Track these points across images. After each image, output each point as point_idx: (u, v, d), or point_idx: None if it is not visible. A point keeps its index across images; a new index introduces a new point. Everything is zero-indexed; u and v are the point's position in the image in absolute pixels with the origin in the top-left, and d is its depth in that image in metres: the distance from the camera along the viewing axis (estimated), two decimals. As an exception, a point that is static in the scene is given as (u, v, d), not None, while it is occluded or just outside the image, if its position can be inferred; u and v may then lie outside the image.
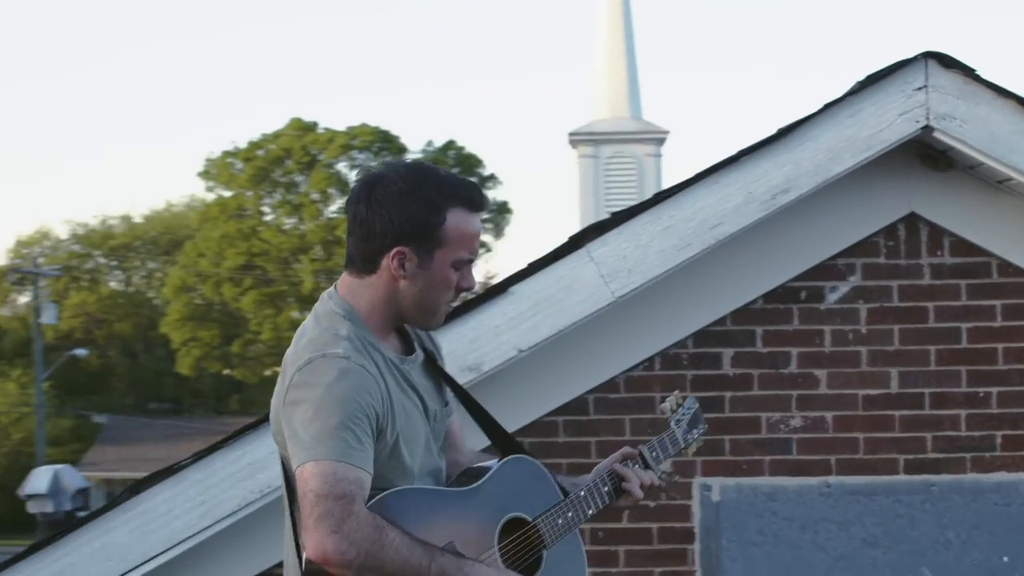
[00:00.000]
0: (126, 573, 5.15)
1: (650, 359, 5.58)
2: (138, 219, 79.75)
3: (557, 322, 5.27)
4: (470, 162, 68.47)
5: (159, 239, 77.24)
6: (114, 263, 78.81)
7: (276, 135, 68.75)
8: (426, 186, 3.29)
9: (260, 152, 69.02)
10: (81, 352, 55.72)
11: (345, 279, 3.39)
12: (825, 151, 5.27)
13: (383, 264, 3.30)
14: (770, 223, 5.41)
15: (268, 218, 70.06)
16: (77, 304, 72.73)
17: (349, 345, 3.22)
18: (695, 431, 3.92)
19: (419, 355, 3.47)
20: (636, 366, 5.58)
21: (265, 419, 4.63)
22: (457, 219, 3.30)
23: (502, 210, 66.48)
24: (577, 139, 27.64)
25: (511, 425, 5.50)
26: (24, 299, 67.01)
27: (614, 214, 5.39)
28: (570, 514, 3.51)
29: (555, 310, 5.27)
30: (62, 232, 78.20)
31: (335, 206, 68.68)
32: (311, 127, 68.82)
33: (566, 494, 3.56)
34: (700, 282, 5.51)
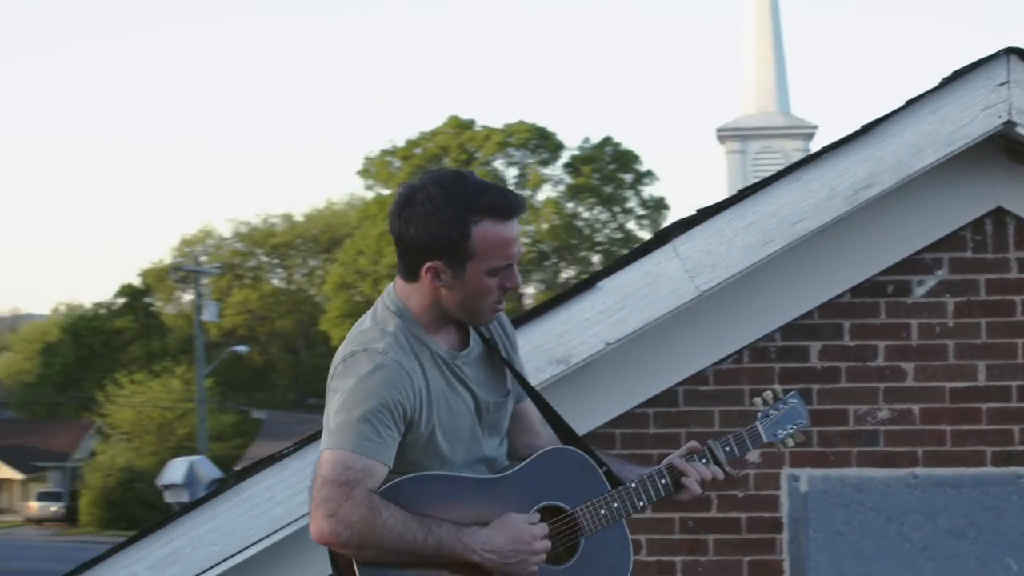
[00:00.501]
0: (230, 557, 5.38)
1: (739, 352, 5.69)
2: (299, 217, 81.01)
3: (643, 316, 5.41)
4: (627, 158, 68.34)
5: (319, 237, 78.32)
6: (275, 261, 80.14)
7: (434, 133, 69.19)
8: (452, 203, 3.42)
9: (418, 150, 69.50)
10: (242, 349, 56.78)
11: (399, 281, 3.59)
12: (907, 147, 5.33)
13: (422, 275, 3.50)
14: (855, 218, 5.49)
15: (426, 216, 70.43)
16: (240, 301, 74.11)
17: (392, 341, 3.44)
18: (790, 426, 3.90)
19: (474, 348, 3.63)
20: (725, 359, 5.69)
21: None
22: (484, 231, 3.44)
23: (659, 206, 66.26)
24: (725, 134, 27.61)
25: (602, 417, 5.70)
26: (188, 297, 68.40)
27: (699, 210, 5.51)
28: (615, 504, 3.61)
29: (641, 304, 5.40)
30: (225, 230, 79.66)
31: (492, 203, 68.95)
32: (468, 125, 69.16)
33: (618, 486, 3.68)
34: (787, 277, 5.61)
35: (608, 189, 66.56)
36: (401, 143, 69.88)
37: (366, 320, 3.54)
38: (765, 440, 3.87)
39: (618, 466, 3.75)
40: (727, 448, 3.80)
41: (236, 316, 73.46)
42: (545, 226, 66.04)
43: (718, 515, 5.67)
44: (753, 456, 5.65)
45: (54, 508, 65.01)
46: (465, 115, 71.42)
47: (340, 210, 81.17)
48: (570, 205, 67.99)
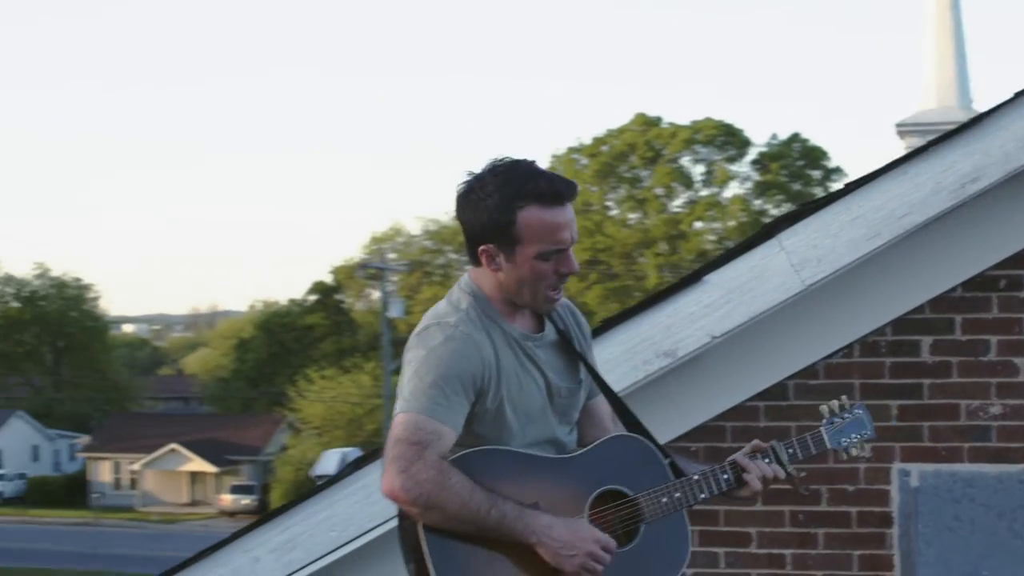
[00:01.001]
0: (347, 543, 5.55)
1: (849, 346, 5.68)
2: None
3: (749, 310, 5.45)
4: (815, 155, 67.59)
5: (508, 235, 78.81)
6: (465, 259, 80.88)
7: (620, 130, 69.12)
8: (500, 189, 3.59)
9: (604, 148, 69.50)
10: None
11: (472, 267, 3.76)
12: (1015, 140, 5.29)
13: (481, 260, 3.66)
14: (965, 212, 5.46)
15: (612, 213, 70.59)
16: (429, 299, 74.81)
17: (464, 316, 3.61)
18: (854, 436, 4.00)
19: (548, 335, 3.76)
20: (835, 353, 5.69)
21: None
22: (529, 216, 3.58)
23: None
24: (904, 130, 27.14)
25: (712, 410, 5.75)
26: (378, 294, 69.36)
27: (805, 204, 5.53)
28: (677, 495, 3.70)
29: (747, 298, 5.44)
30: (414, 228, 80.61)
31: (679, 200, 68.79)
32: (655, 122, 69.00)
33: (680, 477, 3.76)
34: (896, 271, 5.59)
35: (796, 186, 65.91)
36: (588, 140, 69.91)
37: (442, 301, 3.72)
38: (828, 446, 3.95)
39: (683, 461, 3.83)
40: (790, 450, 3.89)
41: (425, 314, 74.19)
42: (732, 223, 65.63)
43: (828, 509, 5.68)
44: (863, 451, 5.64)
45: (246, 501, 66.41)
46: (652, 112, 71.17)
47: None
48: (758, 202, 67.46)
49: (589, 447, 3.73)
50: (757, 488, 3.80)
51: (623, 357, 5.51)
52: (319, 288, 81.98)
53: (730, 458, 3.84)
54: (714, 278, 5.50)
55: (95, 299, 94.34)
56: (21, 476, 74.11)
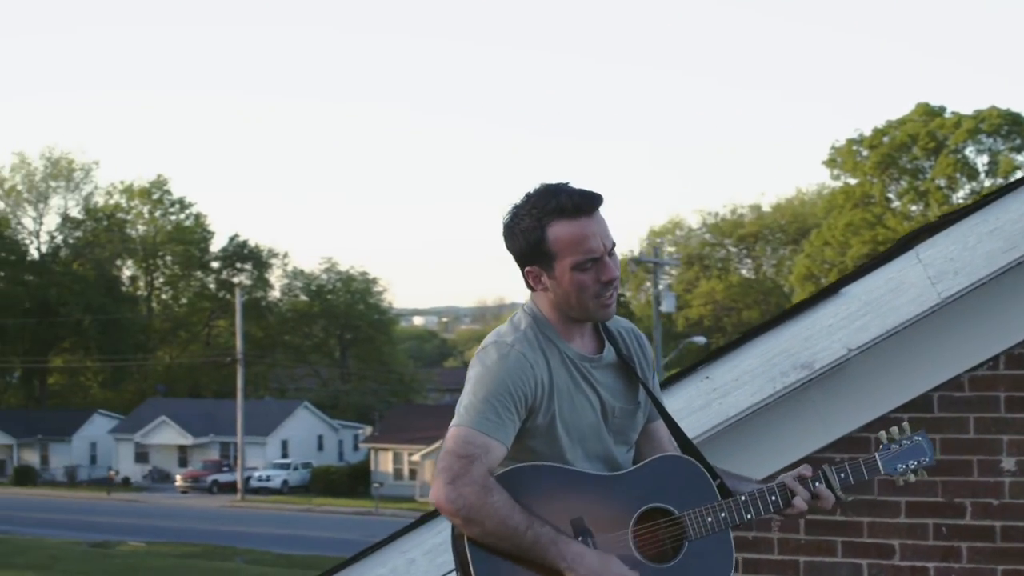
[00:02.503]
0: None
1: (995, 359, 5.62)
2: (767, 208, 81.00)
3: (886, 322, 5.44)
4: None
5: (787, 227, 78.13)
6: (743, 252, 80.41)
7: (901, 121, 67.83)
8: (528, 212, 3.75)
9: (885, 139, 68.27)
10: (700, 340, 57.18)
11: (530, 291, 3.91)
12: None
13: (530, 282, 3.84)
14: (1109, 223, 5.35)
15: (893, 205, 69.30)
16: (706, 292, 74.80)
17: (522, 336, 3.77)
18: (912, 462, 4.02)
19: (607, 357, 3.89)
20: (980, 365, 5.63)
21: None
22: (557, 231, 3.72)
23: None
24: None
25: (857, 421, 5.76)
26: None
27: (943, 216, 5.49)
28: (723, 515, 3.78)
29: (884, 311, 5.44)
30: (693, 222, 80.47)
31: (962, 192, 67.11)
32: (938, 112, 67.45)
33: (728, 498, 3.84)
34: (1041, 282, 5.51)
35: (1088, 176, 63.59)
36: (868, 132, 68.75)
37: (505, 323, 3.89)
38: (882, 472, 3.99)
39: (733, 481, 3.91)
40: (842, 475, 3.93)
41: (702, 307, 74.10)
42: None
43: (972, 523, 5.63)
44: (1009, 464, 5.58)
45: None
46: (935, 101, 69.60)
47: (808, 200, 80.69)
48: (1047, 193, 65.27)
49: (638, 465, 3.84)
50: (803, 508, 3.86)
51: (761, 368, 5.56)
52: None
53: (779, 479, 3.90)
54: (852, 290, 5.51)
55: (381, 292, 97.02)
56: (306, 465, 76.61)
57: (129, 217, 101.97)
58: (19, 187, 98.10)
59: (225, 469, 77.35)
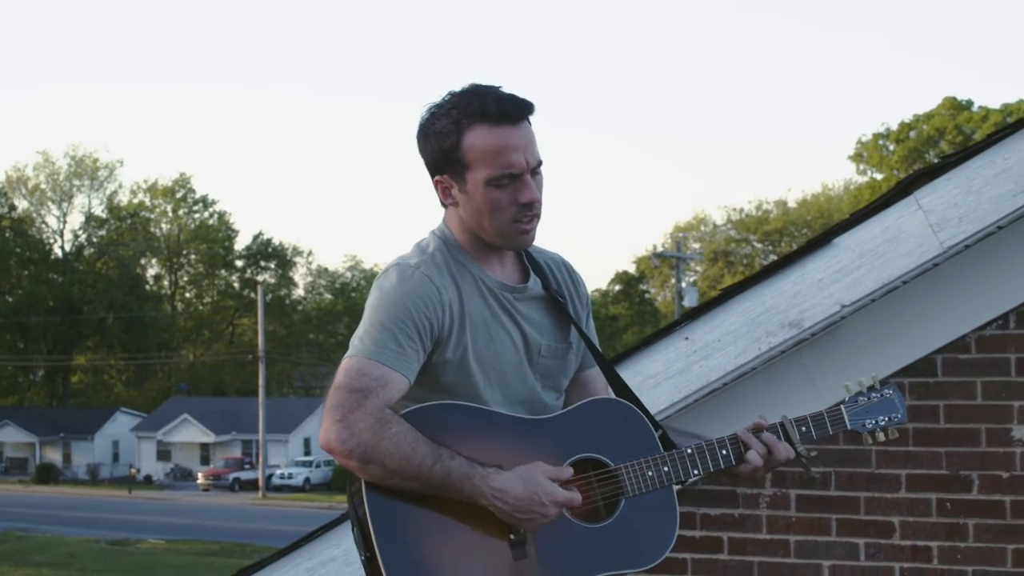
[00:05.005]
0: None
1: (1004, 316, 5.11)
2: (792, 204, 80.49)
3: (882, 275, 4.95)
4: None
5: (812, 223, 77.54)
6: (769, 247, 79.86)
7: (928, 115, 67.43)
8: (447, 112, 3.23)
9: (912, 133, 67.87)
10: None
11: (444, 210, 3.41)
12: None
13: (439, 194, 3.33)
14: None
15: (920, 200, 68.81)
16: (731, 288, 74.32)
17: (429, 260, 3.26)
18: (881, 419, 3.50)
19: (532, 288, 3.38)
20: (988, 324, 5.12)
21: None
22: (474, 138, 3.20)
23: None
24: None
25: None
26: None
27: (944, 157, 4.98)
28: (666, 469, 3.29)
29: (880, 262, 4.95)
30: (718, 218, 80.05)
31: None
32: (966, 106, 66.92)
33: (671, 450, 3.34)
34: (1054, 231, 5.00)
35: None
36: (895, 126, 68.34)
37: (410, 245, 3.36)
38: (848, 426, 3.47)
39: (677, 434, 3.40)
40: (803, 428, 3.41)
41: (726, 303, 73.67)
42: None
43: (980, 497, 5.12)
44: (1020, 433, 5.07)
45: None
46: (962, 95, 68.97)
47: (834, 195, 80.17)
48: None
49: (567, 409, 3.32)
50: (758, 464, 3.34)
51: (744, 329, 5.08)
52: (622, 278, 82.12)
53: (731, 433, 3.38)
54: (844, 241, 5.01)
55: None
56: (328, 463, 76.34)
57: (153, 216, 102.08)
58: (43, 186, 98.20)
59: (247, 467, 77.13)
